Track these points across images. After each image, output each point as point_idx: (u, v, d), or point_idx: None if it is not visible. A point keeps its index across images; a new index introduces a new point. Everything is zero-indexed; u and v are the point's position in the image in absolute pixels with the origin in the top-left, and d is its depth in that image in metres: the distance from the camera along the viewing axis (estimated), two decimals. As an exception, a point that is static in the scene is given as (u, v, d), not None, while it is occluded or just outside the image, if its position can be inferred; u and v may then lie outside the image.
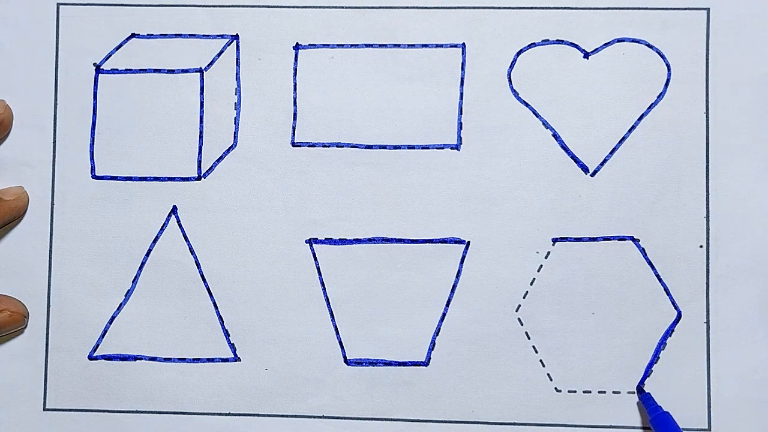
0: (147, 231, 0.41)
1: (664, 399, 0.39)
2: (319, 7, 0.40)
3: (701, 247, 0.39)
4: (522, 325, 0.40)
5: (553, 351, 0.40)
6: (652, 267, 0.40)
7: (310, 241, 0.40)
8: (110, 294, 0.40)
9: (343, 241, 0.40)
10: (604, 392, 0.39)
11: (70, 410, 0.40)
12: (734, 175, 0.39)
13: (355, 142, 0.40)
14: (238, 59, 0.41)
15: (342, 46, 0.41)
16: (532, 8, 0.40)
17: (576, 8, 0.40)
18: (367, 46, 0.40)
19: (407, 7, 0.40)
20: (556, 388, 0.39)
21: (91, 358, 0.40)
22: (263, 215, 0.40)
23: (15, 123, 0.41)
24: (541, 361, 0.40)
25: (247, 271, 0.40)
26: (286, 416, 0.40)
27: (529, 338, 0.40)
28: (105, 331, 0.40)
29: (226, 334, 0.40)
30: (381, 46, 0.40)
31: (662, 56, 0.40)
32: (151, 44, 0.41)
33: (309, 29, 0.41)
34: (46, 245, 0.40)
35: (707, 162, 0.40)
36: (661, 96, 0.40)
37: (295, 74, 0.41)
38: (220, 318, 0.40)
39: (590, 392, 0.39)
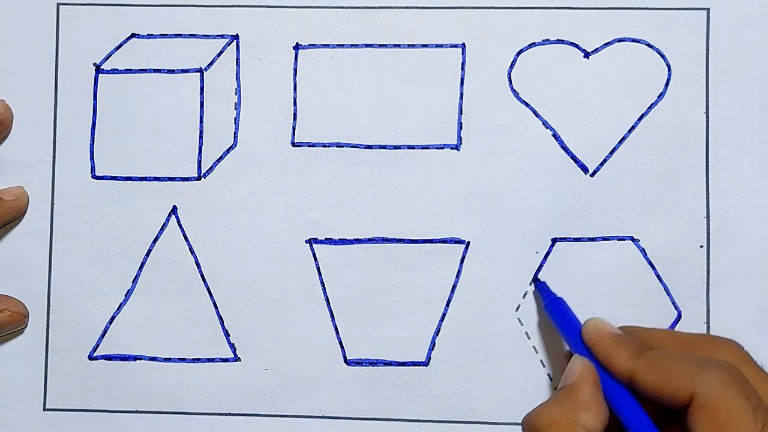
0: (147, 231, 0.40)
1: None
2: (319, 7, 0.40)
3: (701, 247, 0.39)
4: (522, 325, 0.40)
5: (553, 351, 0.39)
6: (652, 267, 0.39)
7: (310, 241, 0.40)
8: (110, 294, 0.40)
9: (343, 241, 0.40)
10: (604, 392, 0.39)
11: (70, 410, 0.40)
12: (734, 175, 0.39)
13: (355, 142, 0.40)
14: (238, 59, 0.41)
15: (342, 46, 0.41)
16: (532, 8, 0.40)
17: (576, 8, 0.40)
18: (367, 46, 0.40)
19: (407, 7, 0.40)
20: (556, 388, 0.39)
21: (91, 358, 0.40)
22: (263, 215, 0.40)
23: (15, 123, 0.41)
24: (541, 361, 0.40)
25: (247, 271, 0.40)
26: (286, 416, 0.40)
27: (529, 338, 0.40)
28: (105, 331, 0.40)
29: (226, 334, 0.40)
30: (381, 46, 0.40)
31: (662, 56, 0.40)
32: (151, 44, 0.41)
33: (309, 29, 0.41)
34: (46, 245, 0.40)
35: (707, 162, 0.40)
36: (661, 96, 0.40)
37: (295, 74, 0.41)
38: (220, 318, 0.40)
39: (590, 392, 0.39)
